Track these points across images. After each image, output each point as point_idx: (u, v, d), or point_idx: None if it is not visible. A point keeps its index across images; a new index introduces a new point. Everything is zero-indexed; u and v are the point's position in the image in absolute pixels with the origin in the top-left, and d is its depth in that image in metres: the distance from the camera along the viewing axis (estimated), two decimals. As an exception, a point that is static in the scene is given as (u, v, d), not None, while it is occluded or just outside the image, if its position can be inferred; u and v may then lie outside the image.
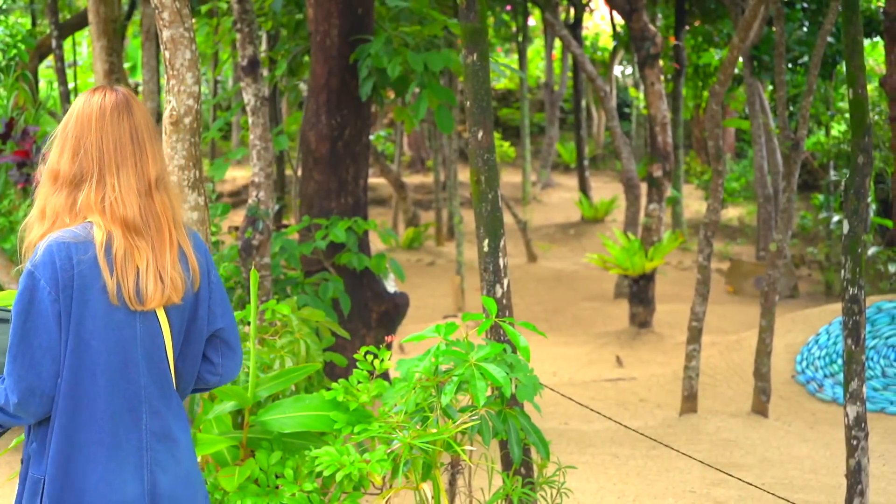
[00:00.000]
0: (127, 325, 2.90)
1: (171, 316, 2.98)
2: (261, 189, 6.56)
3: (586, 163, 22.86)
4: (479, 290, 13.74)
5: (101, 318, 2.87)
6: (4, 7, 19.63)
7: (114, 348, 2.89)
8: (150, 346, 2.96)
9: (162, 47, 4.60)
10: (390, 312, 7.70)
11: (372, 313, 7.62)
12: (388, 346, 4.22)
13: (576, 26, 20.42)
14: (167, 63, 4.57)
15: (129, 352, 2.92)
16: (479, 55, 4.66)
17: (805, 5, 15.37)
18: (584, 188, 22.38)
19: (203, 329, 3.09)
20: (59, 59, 11.49)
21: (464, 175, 21.95)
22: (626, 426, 5.90)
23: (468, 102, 4.69)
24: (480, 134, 4.64)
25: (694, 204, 22.66)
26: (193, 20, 4.64)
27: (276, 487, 3.82)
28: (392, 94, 8.27)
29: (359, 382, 4.05)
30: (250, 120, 6.58)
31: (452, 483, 4.18)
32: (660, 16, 19.36)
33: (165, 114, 4.60)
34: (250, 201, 6.58)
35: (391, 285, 7.79)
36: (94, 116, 2.97)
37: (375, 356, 4.12)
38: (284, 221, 13.39)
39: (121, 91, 3.04)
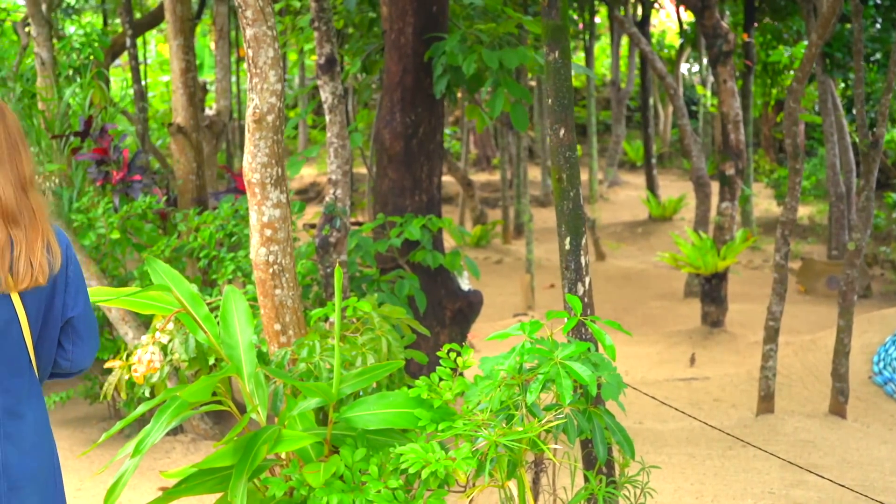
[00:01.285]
0: None
1: (26, 302, 3.22)
2: (338, 187, 6.58)
3: (654, 161, 22.73)
4: (547, 288, 13.73)
5: None
6: (77, 7, 19.87)
7: None
8: (3, 326, 3.19)
9: (245, 46, 4.63)
10: (464, 310, 7.69)
11: (446, 311, 7.62)
12: (467, 344, 4.22)
13: (643, 23, 20.29)
14: (250, 61, 4.60)
15: None
16: (560, 52, 4.64)
17: (878, 1, 15.18)
18: (651, 186, 22.26)
19: (58, 316, 3.34)
20: (134, 57, 11.58)
21: (533, 173, 21.94)
22: (710, 425, 5.86)
23: (549, 100, 4.68)
24: (562, 131, 4.62)
25: (763, 202, 22.46)
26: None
27: (361, 484, 3.82)
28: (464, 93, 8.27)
29: (441, 380, 4.05)
30: (328, 118, 6.60)
31: (536, 481, 4.17)
32: (727, 13, 19.21)
33: (248, 112, 4.63)
34: (327, 199, 6.60)
35: (465, 283, 7.78)
36: None
37: (458, 353, 4.12)
38: (355, 219, 13.43)
39: None
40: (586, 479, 4.36)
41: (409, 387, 4.27)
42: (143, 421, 6.78)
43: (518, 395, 3.88)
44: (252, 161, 4.63)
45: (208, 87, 19.86)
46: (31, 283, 3.17)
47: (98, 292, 4.56)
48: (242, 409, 4.41)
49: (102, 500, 6.44)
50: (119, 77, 25.33)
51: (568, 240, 4.62)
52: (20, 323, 3.22)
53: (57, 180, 8.90)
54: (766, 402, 7.99)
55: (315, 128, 24.88)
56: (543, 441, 3.85)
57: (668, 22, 32.77)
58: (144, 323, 7.28)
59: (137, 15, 18.28)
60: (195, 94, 8.83)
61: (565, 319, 4.11)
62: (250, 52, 4.59)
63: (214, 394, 4.14)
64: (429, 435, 3.93)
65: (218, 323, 4.28)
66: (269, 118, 4.61)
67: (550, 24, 4.64)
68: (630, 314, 13.60)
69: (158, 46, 30.03)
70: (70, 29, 19.23)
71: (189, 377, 6.18)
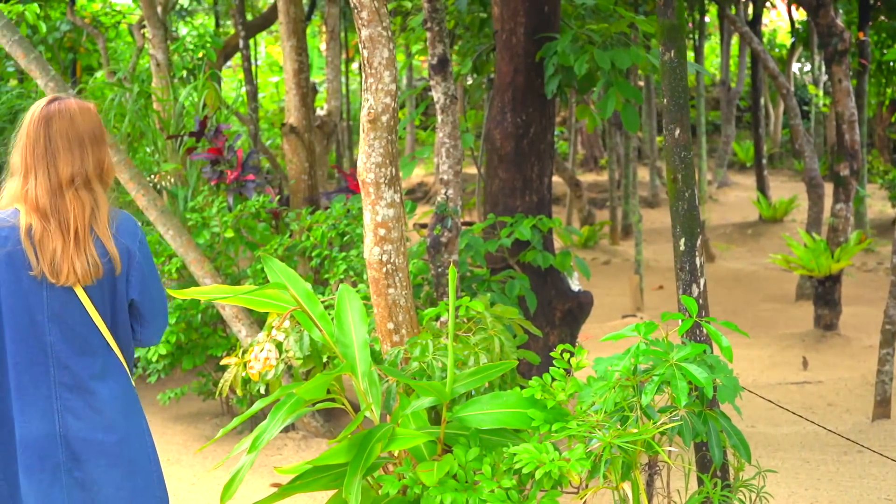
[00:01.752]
0: (33, 293, 3.52)
1: (89, 290, 3.57)
2: (450, 187, 6.60)
3: (764, 161, 22.42)
4: (656, 289, 13.58)
5: (10, 286, 3.51)
6: (189, 9, 20.20)
7: (19, 311, 3.52)
8: (61, 311, 3.55)
9: (360, 46, 4.66)
10: (574, 311, 7.66)
11: (556, 311, 7.60)
12: (580, 345, 4.20)
13: (755, 22, 20.02)
14: (365, 61, 4.63)
15: (34, 314, 3.53)
16: (676, 52, 4.61)
17: None
18: (761, 187, 21.95)
19: (123, 300, 3.67)
20: (246, 58, 11.74)
21: (641, 173, 21.76)
22: (826, 428, 5.76)
23: (665, 100, 4.65)
24: (678, 132, 4.59)
25: (877, 204, 22.03)
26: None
27: (474, 483, 3.83)
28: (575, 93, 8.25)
29: (554, 380, 4.04)
30: (439, 118, 6.62)
31: (650, 484, 4.14)
32: (840, 11, 18.88)
33: (363, 112, 4.66)
34: (439, 199, 6.62)
35: (575, 283, 7.75)
36: (28, 122, 3.62)
37: (572, 354, 4.11)
38: (464, 219, 13.45)
39: (54, 104, 3.64)
40: (700, 483, 4.33)
41: (522, 387, 4.28)
42: (254, 418, 6.89)
43: (633, 397, 3.86)
44: (366, 161, 4.66)
45: (318, 87, 20.05)
46: (73, 282, 3.52)
47: (215, 291, 4.64)
48: (355, 407, 4.44)
49: (216, 494, 6.56)
50: (229, 78, 25.69)
51: (683, 241, 4.59)
52: (84, 308, 3.58)
53: (172, 180, 9.06)
54: (882, 406, 7.84)
55: (424, 128, 25.00)
56: (658, 443, 3.83)
57: (778, 21, 32.31)
58: (257, 321, 7.37)
59: (249, 17, 18.54)
60: (308, 94, 8.92)
61: (680, 321, 4.08)
62: (365, 53, 4.62)
63: (328, 391, 4.19)
64: (542, 435, 3.92)
65: (332, 321, 4.33)
66: (384, 118, 4.64)
67: (666, 24, 4.61)
68: (740, 316, 13.43)
69: (268, 48, 30.37)
70: (182, 31, 19.58)
71: (302, 375, 6.25)
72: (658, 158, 23.03)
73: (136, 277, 3.66)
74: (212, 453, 7.43)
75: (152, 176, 9.08)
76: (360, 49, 4.65)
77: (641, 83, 19.55)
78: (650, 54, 7.54)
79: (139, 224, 3.72)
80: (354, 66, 25.65)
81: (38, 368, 3.54)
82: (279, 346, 4.72)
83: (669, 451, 3.91)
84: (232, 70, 26.09)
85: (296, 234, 7.79)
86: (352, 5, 4.59)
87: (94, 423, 3.58)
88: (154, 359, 7.51)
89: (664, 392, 3.91)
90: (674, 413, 3.84)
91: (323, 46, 26.10)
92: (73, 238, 3.51)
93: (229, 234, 7.74)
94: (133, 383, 3.74)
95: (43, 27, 9.94)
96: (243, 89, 12.47)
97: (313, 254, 7.45)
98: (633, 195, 17.54)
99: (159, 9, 10.98)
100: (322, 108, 10.60)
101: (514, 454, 3.74)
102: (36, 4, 9.40)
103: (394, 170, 4.72)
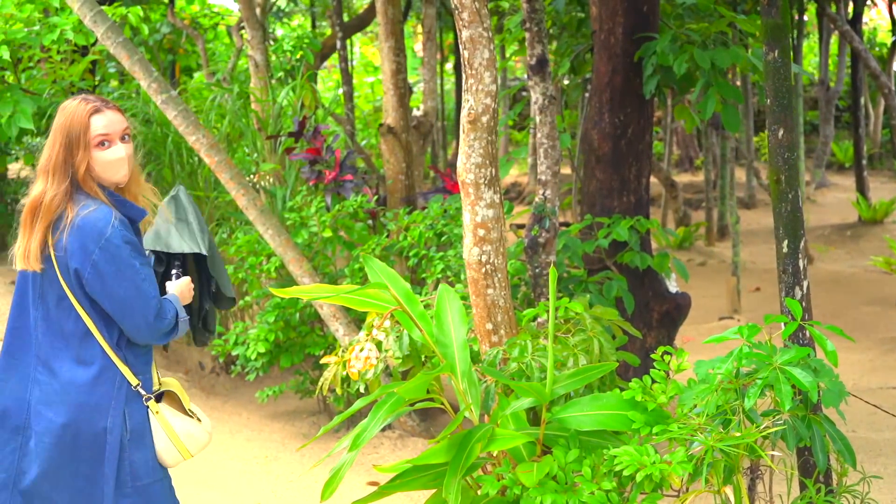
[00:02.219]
0: (23, 278, 3.95)
1: (65, 279, 3.84)
2: (547, 187, 6.58)
3: (864, 162, 22.05)
4: (753, 291, 13.41)
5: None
6: (286, 10, 20.39)
7: (17, 290, 3.98)
8: (43, 292, 3.89)
9: (461, 47, 4.67)
10: (672, 312, 7.61)
11: (653, 313, 7.55)
12: (681, 347, 4.17)
13: (855, 21, 19.68)
14: (465, 62, 4.64)
15: (23, 295, 3.95)
16: (780, 52, 4.56)
17: None
18: (861, 188, 21.59)
19: (91, 295, 3.86)
20: (343, 59, 11.85)
21: (738, 174, 21.50)
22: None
23: (768, 101, 4.59)
24: (781, 132, 4.54)
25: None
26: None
27: (574, 485, 3.82)
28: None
29: (654, 382, 4.01)
30: (537, 118, 6.61)
31: (752, 488, 4.10)
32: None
33: (463, 112, 4.67)
34: (537, 199, 6.61)
35: (673, 285, 7.70)
36: None
37: (671, 355, 4.09)
38: (560, 219, 13.41)
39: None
40: (802, 487, 4.27)
41: (621, 389, 4.26)
42: (350, 417, 6.93)
43: (735, 400, 3.82)
44: (466, 161, 4.67)
45: (412, 88, 20.12)
46: (23, 267, 3.89)
47: (316, 290, 4.68)
48: (454, 407, 4.45)
49: (314, 491, 6.62)
50: (324, 78, 25.87)
51: (786, 242, 4.53)
52: (63, 293, 3.87)
53: (271, 179, 9.15)
54: None
55: (519, 129, 24.98)
56: (760, 447, 3.79)
57: (878, 19, 31.77)
58: (354, 320, 7.42)
59: (345, 17, 18.67)
60: (405, 95, 8.95)
61: (783, 324, 4.03)
62: (466, 54, 4.63)
63: (427, 391, 4.20)
64: (642, 437, 3.90)
65: (432, 321, 4.34)
66: (484, 119, 4.64)
67: (770, 23, 4.56)
68: (840, 319, 13.21)
69: (362, 48, 30.57)
70: (278, 32, 19.78)
71: (400, 375, 6.28)
72: (755, 159, 22.76)
73: (92, 275, 3.81)
74: (308, 451, 7.50)
75: (251, 176, 9.18)
76: (461, 50, 4.66)
77: (738, 83, 19.34)
78: (750, 53, 7.46)
79: (114, 223, 3.82)
80: (448, 66, 25.71)
81: (25, 338, 3.92)
82: (379, 345, 4.74)
83: (772, 456, 3.87)
84: (327, 71, 26.28)
85: (393, 234, 7.82)
86: (452, 6, 4.60)
87: (49, 400, 3.84)
88: (253, 357, 7.59)
89: (766, 396, 3.87)
90: (777, 417, 3.80)
91: (417, 47, 26.22)
92: (28, 226, 3.88)
93: (327, 233, 7.80)
94: (127, 376, 3.88)
95: (145, 29, 10.09)
96: (340, 90, 12.57)
97: (410, 254, 7.48)
98: (731, 196, 17.34)
99: (258, 10, 11.11)
100: (418, 109, 10.62)
101: (615, 456, 3.72)
102: (138, 7, 9.53)
103: (493, 170, 4.72)
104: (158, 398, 4.00)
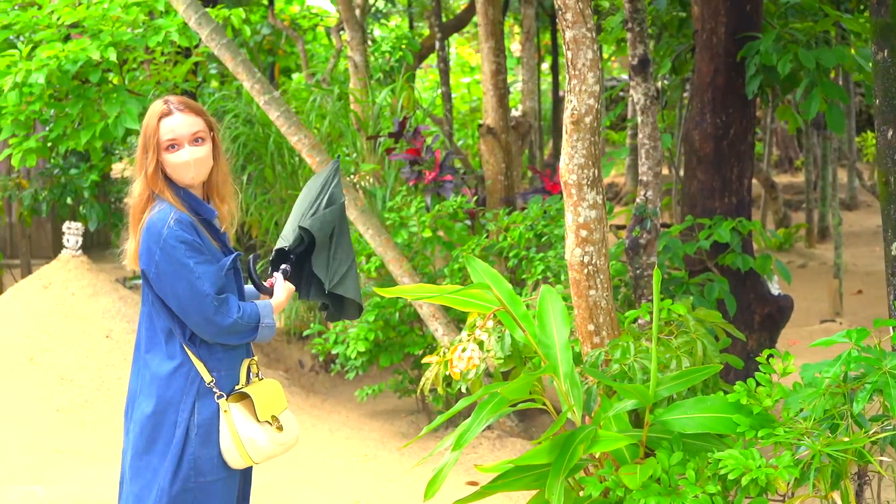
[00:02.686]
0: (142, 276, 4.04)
1: (146, 276, 3.97)
2: (649, 188, 6.55)
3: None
4: (855, 294, 13.17)
5: None
6: (384, 11, 20.51)
7: (143, 288, 4.08)
8: (146, 293, 4.02)
9: (564, 48, 4.67)
10: (773, 315, 7.52)
11: (755, 315, 7.47)
12: (787, 350, 4.12)
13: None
14: (569, 63, 4.64)
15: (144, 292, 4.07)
16: (889, 51, 4.49)
17: None
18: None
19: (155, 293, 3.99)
20: (442, 60, 11.89)
21: (839, 175, 21.13)
22: None
23: (876, 100, 4.53)
24: (890, 133, 4.47)
25: None
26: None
27: (678, 488, 3.80)
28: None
29: (759, 385, 3.97)
30: (639, 119, 6.58)
31: (860, 494, 4.04)
32: None
33: (566, 113, 4.67)
34: (638, 200, 6.58)
35: (775, 287, 7.61)
36: None
37: (777, 358, 4.04)
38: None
39: None
40: (911, 494, 4.21)
41: (724, 391, 4.22)
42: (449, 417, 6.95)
43: (843, 405, 3.77)
44: (569, 162, 4.67)
45: (509, 88, 20.11)
46: (132, 266, 4.07)
47: (419, 290, 4.71)
48: (555, 408, 4.45)
49: (413, 490, 6.65)
50: (420, 79, 25.96)
51: (894, 245, 4.46)
52: (147, 293, 4.02)
53: (371, 179, 9.21)
54: None
55: (617, 129, 24.85)
56: (869, 452, 3.74)
57: None
58: (452, 320, 7.44)
59: (443, 18, 18.74)
60: (505, 95, 8.96)
61: (892, 328, 3.97)
62: (569, 55, 4.63)
63: (529, 392, 4.20)
64: (747, 441, 3.87)
65: (534, 322, 4.34)
66: (587, 119, 4.63)
67: (879, 23, 4.49)
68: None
69: (458, 49, 30.61)
70: (376, 32, 19.89)
71: (502, 375, 6.28)
72: (857, 160, 22.40)
73: (155, 275, 3.91)
74: (406, 450, 7.54)
75: (351, 176, 9.25)
76: (564, 50, 4.66)
77: (839, 81, 19.06)
78: (856, 54, 7.36)
79: (169, 223, 3.87)
80: (544, 66, 25.64)
81: (141, 331, 4.07)
82: (481, 345, 4.75)
83: (881, 461, 3.81)
84: (423, 71, 26.37)
85: (492, 235, 7.83)
86: (556, 7, 4.60)
87: (143, 391, 3.99)
88: (352, 355, 7.65)
89: (875, 401, 3.82)
90: (886, 422, 3.74)
91: (513, 47, 26.19)
92: (131, 225, 4.02)
93: (427, 233, 7.84)
94: (201, 372, 3.94)
95: (247, 31, 10.21)
96: (438, 91, 12.61)
97: (510, 254, 7.48)
98: (833, 197, 17.09)
99: (358, 11, 11.19)
100: (516, 109, 10.63)
101: (720, 460, 3.69)
102: (240, 9, 9.64)
103: (596, 171, 4.71)
104: (236, 398, 4.04)
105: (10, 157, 9.13)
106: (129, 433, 4.06)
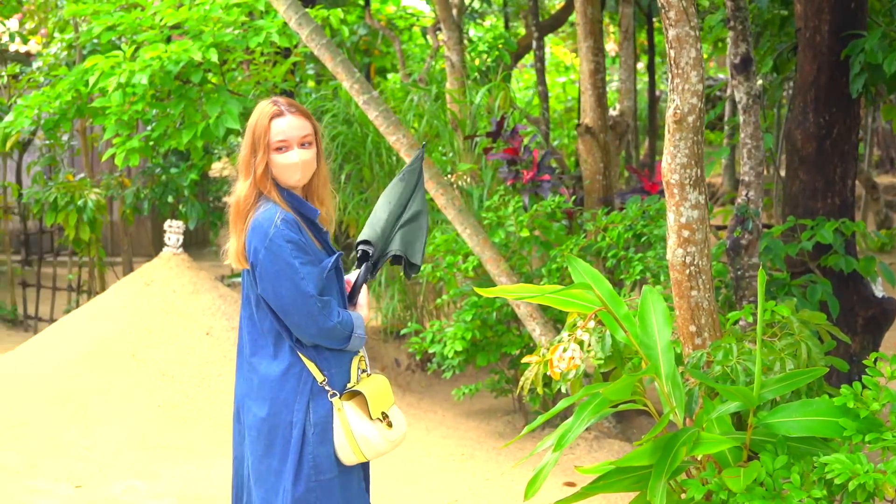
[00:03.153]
0: (243, 277, 4.14)
1: (251, 276, 4.01)
2: (751, 188, 6.48)
3: None
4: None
5: None
6: (480, 10, 20.52)
7: (242, 289, 4.16)
8: (247, 295, 4.08)
9: (667, 46, 4.63)
10: (878, 318, 7.39)
11: (858, 318, 7.35)
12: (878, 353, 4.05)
13: None
14: (672, 62, 4.60)
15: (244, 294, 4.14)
16: None
17: None
18: None
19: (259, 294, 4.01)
20: (540, 59, 11.86)
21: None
22: None
23: None
24: None
25: None
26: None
27: (782, 492, 3.75)
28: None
29: (865, 388, 3.91)
30: (741, 118, 6.51)
31: (970, 500, 3.96)
32: None
33: (668, 112, 4.63)
34: (739, 200, 6.51)
35: (879, 289, 7.47)
36: None
37: (885, 362, 3.97)
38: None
39: None
40: None
41: (829, 395, 4.16)
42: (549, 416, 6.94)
43: (953, 410, 3.70)
44: (671, 162, 4.63)
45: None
46: (236, 265, 4.07)
47: (520, 289, 4.69)
48: (655, 409, 4.42)
49: (510, 490, 6.65)
50: (515, 78, 25.92)
51: None
52: (248, 294, 4.09)
53: (468, 179, 9.22)
54: None
55: (712, 129, 24.60)
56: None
57: None
58: (550, 320, 7.42)
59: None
60: (604, 94, 8.91)
61: None
62: (672, 53, 4.59)
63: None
64: (853, 445, 3.81)
65: (636, 322, 4.31)
66: (690, 119, 4.59)
67: None
68: None
69: (553, 48, 30.50)
70: (470, 32, 19.90)
71: (602, 376, 6.25)
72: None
73: (259, 273, 3.93)
74: (502, 449, 7.54)
75: (448, 175, 9.27)
76: (667, 49, 4.62)
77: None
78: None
79: (276, 223, 3.91)
80: (639, 65, 25.48)
81: (242, 336, 4.12)
82: (582, 345, 4.73)
83: None
84: (517, 70, 26.33)
85: (590, 235, 7.80)
86: (659, 5, 4.57)
87: (252, 394, 4.04)
88: (450, 355, 7.66)
89: None
90: None
91: (608, 46, 26.05)
92: (232, 225, 4.05)
93: (524, 233, 7.82)
94: (313, 372, 3.98)
95: (346, 31, 10.28)
96: (534, 90, 12.58)
97: (609, 254, 7.44)
98: (937, 198, 16.76)
99: (454, 11, 11.20)
100: (613, 108, 10.57)
101: (826, 464, 3.64)
102: (338, 10, 9.71)
103: (699, 171, 4.66)
104: (348, 395, 4.06)
105: (113, 156, 9.27)
106: (244, 438, 4.11)
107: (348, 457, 4.01)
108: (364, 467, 4.25)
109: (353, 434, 3.98)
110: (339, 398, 4.00)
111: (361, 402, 4.04)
